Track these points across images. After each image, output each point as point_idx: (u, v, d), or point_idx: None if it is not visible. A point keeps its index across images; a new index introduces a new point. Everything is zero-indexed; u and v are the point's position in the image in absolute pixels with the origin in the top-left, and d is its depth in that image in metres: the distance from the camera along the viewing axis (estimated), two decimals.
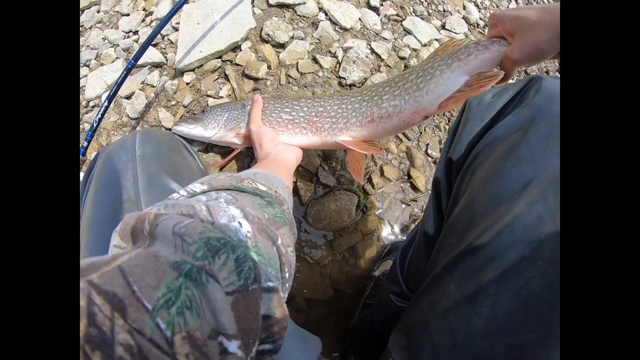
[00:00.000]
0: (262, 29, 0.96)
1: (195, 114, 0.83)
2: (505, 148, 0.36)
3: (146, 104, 0.96)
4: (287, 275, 0.33)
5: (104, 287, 0.20)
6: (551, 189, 0.31)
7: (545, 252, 0.31)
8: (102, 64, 1.11)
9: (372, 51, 0.96)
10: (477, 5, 1.32)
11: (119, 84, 0.83)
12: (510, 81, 0.48)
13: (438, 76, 0.54)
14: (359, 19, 1.02)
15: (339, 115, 0.65)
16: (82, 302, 0.19)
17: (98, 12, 1.42)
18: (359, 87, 0.90)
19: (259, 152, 0.67)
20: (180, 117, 0.91)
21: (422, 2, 1.17)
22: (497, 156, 0.37)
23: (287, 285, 0.34)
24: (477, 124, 0.40)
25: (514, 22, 0.46)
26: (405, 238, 0.85)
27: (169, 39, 1.02)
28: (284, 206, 0.39)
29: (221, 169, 0.82)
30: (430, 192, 0.92)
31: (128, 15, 1.19)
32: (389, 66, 0.97)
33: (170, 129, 0.93)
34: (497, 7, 1.42)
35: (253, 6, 1.03)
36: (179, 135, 0.79)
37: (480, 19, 1.28)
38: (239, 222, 0.29)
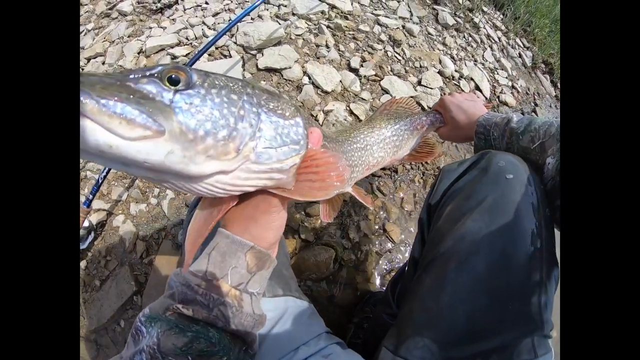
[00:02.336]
0: None
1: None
2: (463, 194, 0.58)
3: None
4: None
5: None
6: (485, 212, 0.52)
7: (484, 248, 0.50)
8: None
9: (351, 112, 1.06)
10: (452, 58, 1.42)
11: None
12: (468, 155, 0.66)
13: (407, 139, 0.76)
14: (340, 81, 1.12)
15: (359, 162, 0.66)
16: None
17: (103, 63, 1.54)
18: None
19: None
20: None
21: (399, 60, 1.28)
22: (458, 199, 0.58)
23: None
24: (447, 182, 0.62)
25: (450, 119, 0.74)
26: (381, 288, 0.94)
27: None
28: (218, 320, 0.39)
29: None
30: (404, 243, 1.01)
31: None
32: None
33: None
34: (473, 56, 1.53)
35: (244, 70, 1.13)
36: None
37: (456, 70, 1.39)
38: None
